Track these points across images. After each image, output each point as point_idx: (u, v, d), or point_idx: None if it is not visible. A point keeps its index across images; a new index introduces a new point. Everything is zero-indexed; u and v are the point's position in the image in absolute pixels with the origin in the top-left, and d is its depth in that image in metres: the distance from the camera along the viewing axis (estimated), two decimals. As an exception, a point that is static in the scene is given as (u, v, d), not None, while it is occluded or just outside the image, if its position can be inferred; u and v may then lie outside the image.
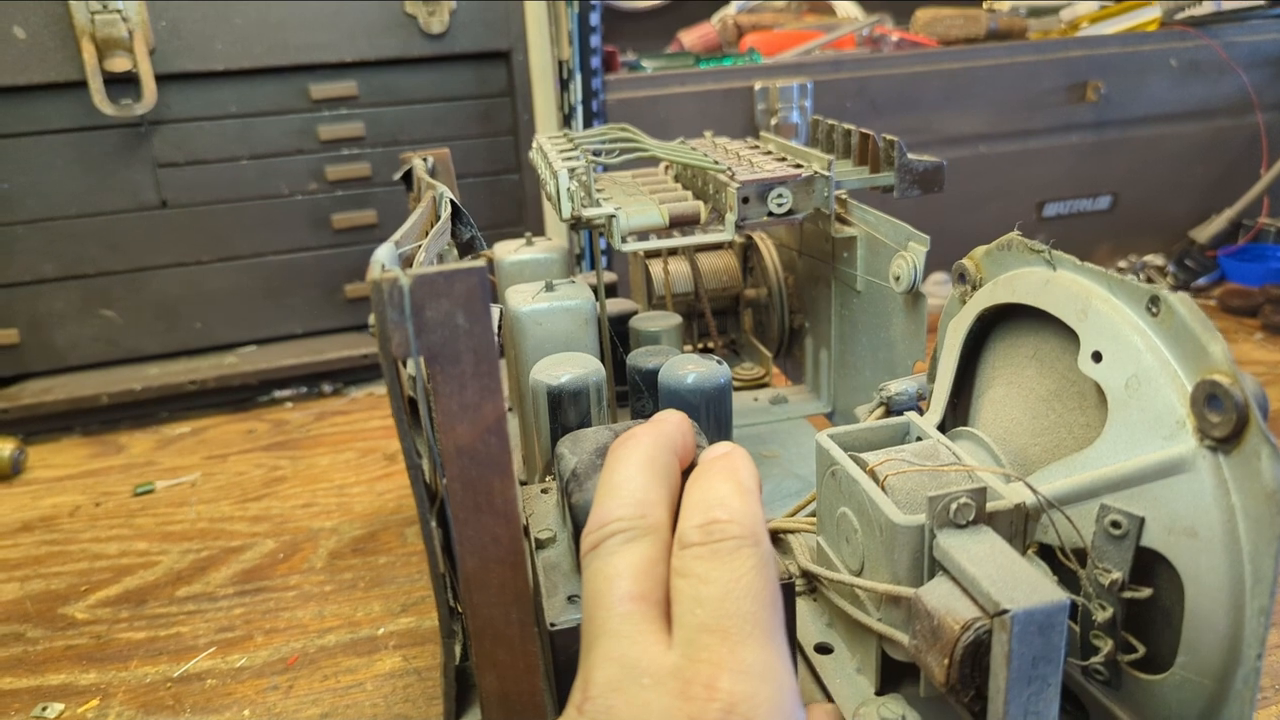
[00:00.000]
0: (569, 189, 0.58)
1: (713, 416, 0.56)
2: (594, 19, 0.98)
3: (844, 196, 0.65)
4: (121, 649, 0.65)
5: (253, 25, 0.94)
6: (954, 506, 0.36)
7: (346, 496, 0.83)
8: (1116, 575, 0.36)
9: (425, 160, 0.78)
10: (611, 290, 0.84)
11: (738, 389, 0.77)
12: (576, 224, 0.59)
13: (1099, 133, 1.15)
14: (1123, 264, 1.17)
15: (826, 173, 0.60)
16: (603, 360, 0.69)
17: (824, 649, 0.45)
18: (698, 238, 0.62)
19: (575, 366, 0.54)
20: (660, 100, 1.04)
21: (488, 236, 0.85)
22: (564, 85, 1.01)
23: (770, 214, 0.59)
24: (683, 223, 0.61)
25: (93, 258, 0.97)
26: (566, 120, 1.02)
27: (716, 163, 0.62)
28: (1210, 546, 0.34)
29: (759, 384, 0.78)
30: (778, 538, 0.52)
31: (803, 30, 1.17)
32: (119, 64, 0.90)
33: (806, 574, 0.47)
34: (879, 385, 0.53)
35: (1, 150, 0.92)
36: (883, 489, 0.40)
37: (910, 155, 0.64)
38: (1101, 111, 1.13)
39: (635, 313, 0.72)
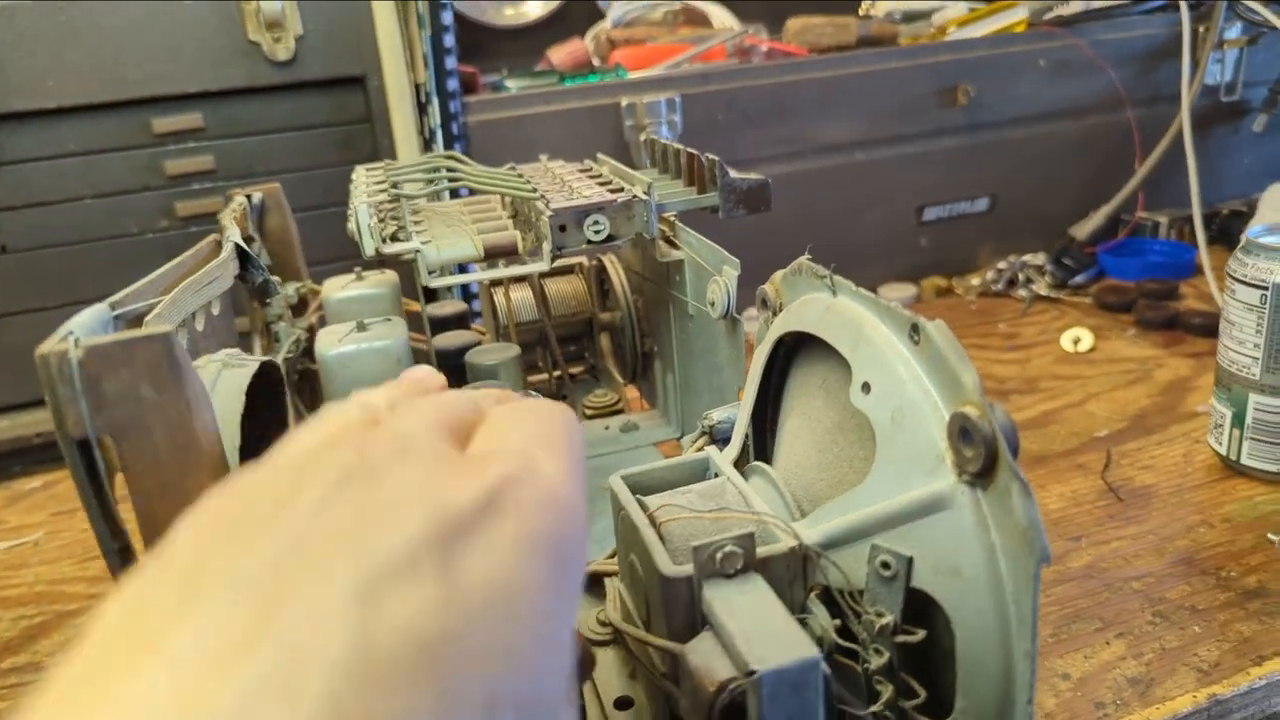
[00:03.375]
0: (369, 225, 0.55)
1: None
2: (448, 41, 0.96)
3: (672, 219, 0.63)
4: (-65, 733, 0.61)
5: (86, 60, 0.90)
6: (719, 555, 0.34)
7: (197, 549, 0.79)
8: (888, 618, 0.34)
9: (249, 197, 0.74)
10: (462, 321, 0.81)
11: (590, 417, 0.75)
12: (383, 261, 0.57)
13: (973, 135, 1.15)
14: (1002, 265, 1.16)
15: (645, 196, 0.58)
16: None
17: (624, 703, 0.43)
18: (512, 269, 0.60)
19: (377, 412, 0.51)
20: (524, 121, 1.02)
21: (350, 270, 0.82)
22: (422, 109, 0.98)
23: (589, 241, 0.57)
24: (499, 254, 0.59)
25: (-70, 308, 0.92)
26: (427, 144, 0.99)
27: (534, 190, 0.60)
28: (975, 586, 0.32)
29: (613, 411, 0.75)
30: (599, 582, 0.50)
31: (673, 44, 1.16)
32: (-59, 106, 0.85)
33: (610, 623, 0.44)
34: (703, 414, 0.51)
35: None
36: (659, 535, 0.38)
37: (734, 174, 0.62)
38: (973, 114, 1.13)
39: (477, 344, 0.69)
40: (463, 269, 0.69)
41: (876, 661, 0.35)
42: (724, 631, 0.32)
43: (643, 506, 0.40)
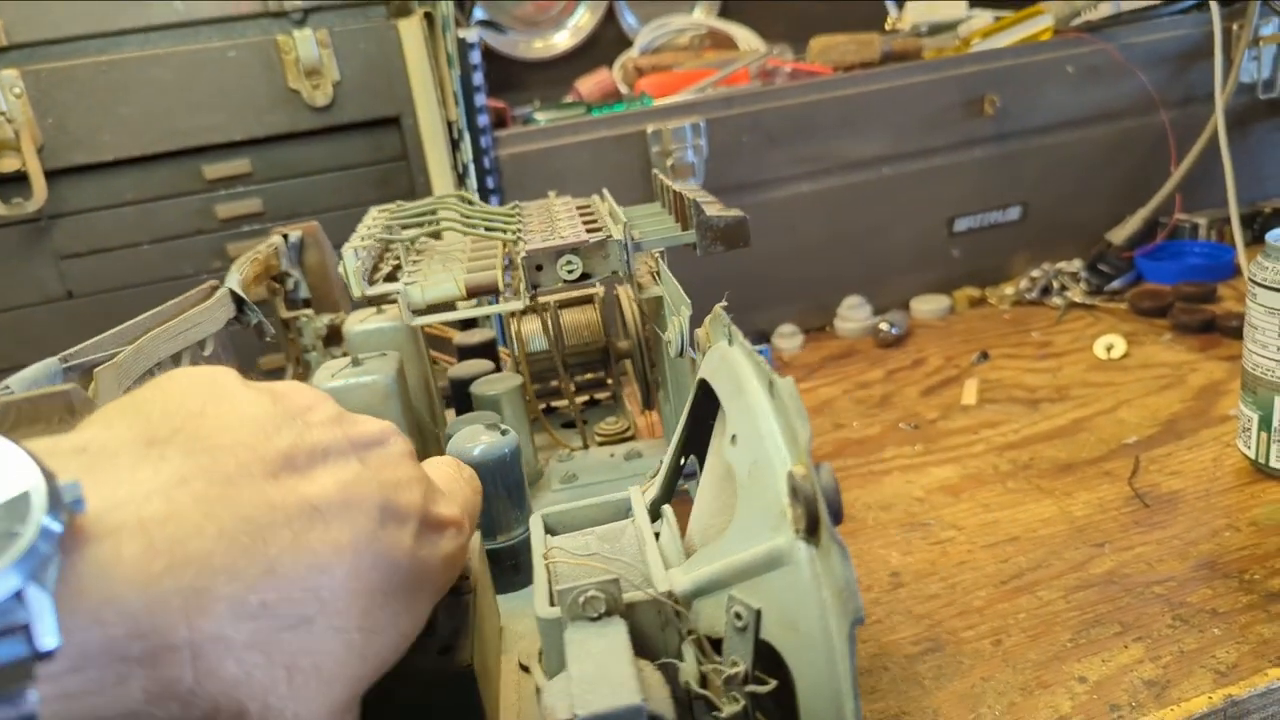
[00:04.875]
0: (354, 269, 0.59)
1: (502, 485, 0.57)
2: (477, 78, 1.00)
3: (656, 256, 0.66)
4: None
5: (139, 114, 0.97)
6: (583, 599, 0.37)
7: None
8: (741, 668, 0.36)
9: (286, 236, 0.80)
10: (489, 349, 0.84)
11: (601, 443, 0.77)
12: (369, 302, 0.61)
13: (1001, 145, 1.14)
14: (1035, 273, 1.15)
15: (618, 236, 0.60)
16: (427, 432, 0.70)
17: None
18: (493, 307, 0.63)
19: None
20: (553, 152, 1.05)
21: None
22: (455, 145, 1.03)
23: (564, 280, 0.60)
24: (480, 292, 0.62)
25: (6, 353, 1.00)
26: (461, 180, 1.04)
27: (517, 231, 0.64)
28: (810, 641, 0.33)
29: (622, 438, 0.78)
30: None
31: (697, 69, 1.18)
32: (8, 164, 0.93)
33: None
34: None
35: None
36: (548, 575, 0.40)
37: (712, 212, 0.64)
38: (1001, 124, 1.12)
39: (487, 374, 0.73)
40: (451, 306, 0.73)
41: (730, 709, 0.36)
42: (568, 673, 0.35)
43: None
